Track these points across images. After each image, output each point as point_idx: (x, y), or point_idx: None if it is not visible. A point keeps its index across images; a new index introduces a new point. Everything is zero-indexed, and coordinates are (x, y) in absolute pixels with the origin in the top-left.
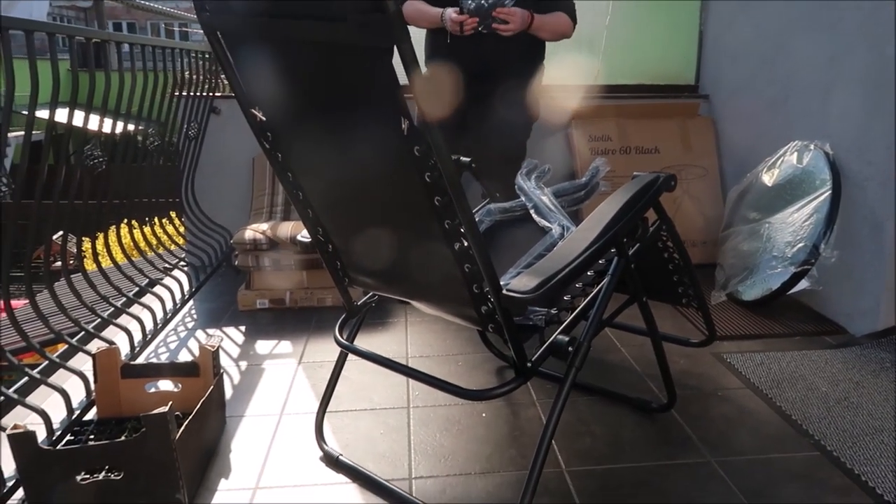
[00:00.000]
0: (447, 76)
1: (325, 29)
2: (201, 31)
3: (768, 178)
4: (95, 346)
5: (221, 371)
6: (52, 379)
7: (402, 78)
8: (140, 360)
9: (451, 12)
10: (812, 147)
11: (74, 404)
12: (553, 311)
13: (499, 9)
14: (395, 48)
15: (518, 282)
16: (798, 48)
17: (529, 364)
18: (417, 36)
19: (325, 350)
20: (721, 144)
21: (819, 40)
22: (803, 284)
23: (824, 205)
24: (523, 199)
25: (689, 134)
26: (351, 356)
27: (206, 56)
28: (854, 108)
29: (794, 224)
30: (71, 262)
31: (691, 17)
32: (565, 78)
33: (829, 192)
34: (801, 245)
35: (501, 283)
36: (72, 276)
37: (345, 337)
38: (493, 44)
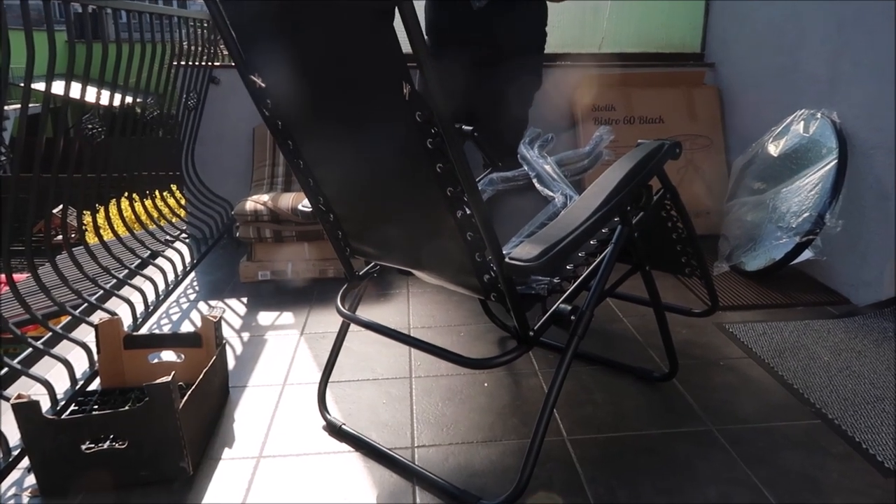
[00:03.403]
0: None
1: None
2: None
3: (774, 148)
4: (98, 317)
5: (224, 342)
6: (56, 350)
7: (404, 44)
8: (142, 331)
9: None
10: (819, 115)
11: (78, 375)
12: (555, 281)
13: None
14: (396, 9)
15: (520, 250)
16: (806, 14)
17: (531, 333)
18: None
19: (327, 321)
20: (727, 114)
21: (827, 6)
22: (807, 255)
23: (830, 174)
24: (526, 168)
25: (695, 103)
26: (353, 327)
27: (205, 24)
28: (863, 75)
29: (800, 194)
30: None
31: None
32: (569, 46)
33: (836, 161)
34: (805, 215)
35: (504, 251)
36: (73, 249)
37: (346, 307)
38: (493, 10)
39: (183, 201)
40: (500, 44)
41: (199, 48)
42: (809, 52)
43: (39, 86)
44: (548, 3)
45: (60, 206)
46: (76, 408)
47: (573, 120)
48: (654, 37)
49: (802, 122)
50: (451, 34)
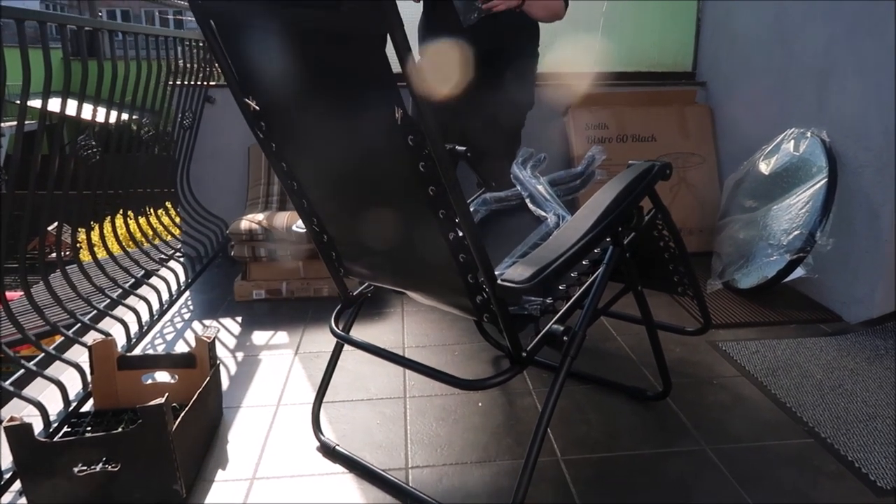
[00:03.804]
0: (443, 55)
1: (318, 16)
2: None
3: (765, 167)
4: (91, 337)
5: (218, 362)
6: (49, 371)
7: (396, 66)
8: (136, 351)
9: None
10: (809, 134)
11: (71, 396)
12: (548, 301)
13: None
14: (388, 36)
15: (513, 271)
16: (795, 35)
17: (525, 354)
18: (410, 21)
19: (321, 340)
20: (718, 132)
21: (816, 26)
22: (799, 272)
23: (820, 192)
24: (519, 188)
25: (687, 121)
26: (347, 346)
27: (201, 45)
28: (851, 94)
29: (791, 212)
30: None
31: (688, 4)
32: (562, 65)
33: (826, 179)
34: (797, 233)
35: (496, 272)
36: (67, 267)
37: (341, 327)
38: (484, 28)
39: (178, 219)
40: (492, 63)
41: (195, 66)
42: (798, 71)
43: (36, 103)
44: (539, 22)
45: (55, 224)
46: (69, 429)
47: (566, 139)
48: (645, 56)
49: (793, 141)
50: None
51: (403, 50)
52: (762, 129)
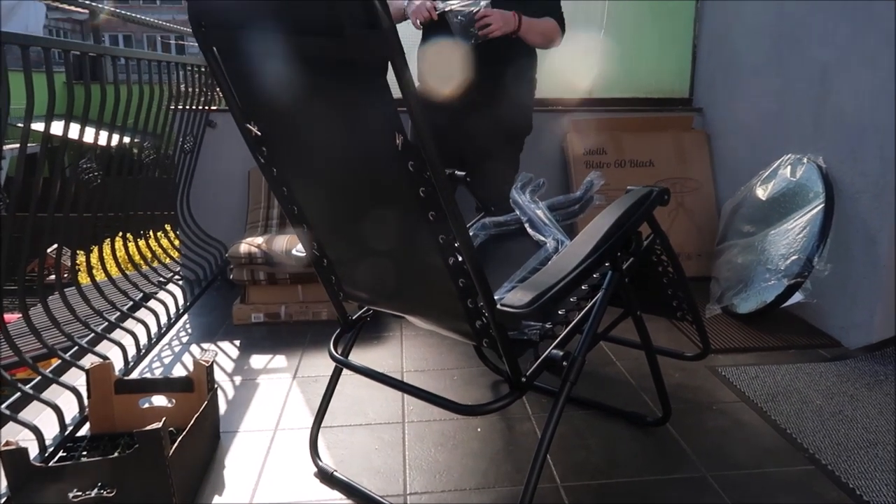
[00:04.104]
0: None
1: (321, 44)
2: (196, 44)
3: (762, 192)
4: (89, 360)
5: (216, 386)
6: (45, 394)
7: (396, 91)
8: (134, 374)
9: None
10: (805, 160)
11: (67, 420)
12: (547, 326)
13: (477, 14)
14: (390, 63)
15: (512, 296)
16: (789, 62)
17: (524, 379)
18: (408, 45)
19: (319, 364)
20: (715, 157)
21: (809, 54)
22: (797, 297)
23: (818, 217)
24: (518, 212)
25: (684, 147)
26: (346, 370)
27: (202, 70)
28: (846, 121)
29: (788, 237)
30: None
31: (685, 31)
32: (560, 91)
33: (823, 204)
34: (794, 258)
35: (496, 297)
36: (65, 289)
37: (339, 352)
38: (481, 54)
39: (177, 242)
40: (490, 87)
41: (197, 91)
42: (793, 98)
43: (39, 126)
44: (536, 49)
45: (54, 246)
46: (65, 454)
47: (565, 164)
48: (643, 82)
49: (789, 167)
50: (443, 81)
51: (404, 76)
52: (759, 155)
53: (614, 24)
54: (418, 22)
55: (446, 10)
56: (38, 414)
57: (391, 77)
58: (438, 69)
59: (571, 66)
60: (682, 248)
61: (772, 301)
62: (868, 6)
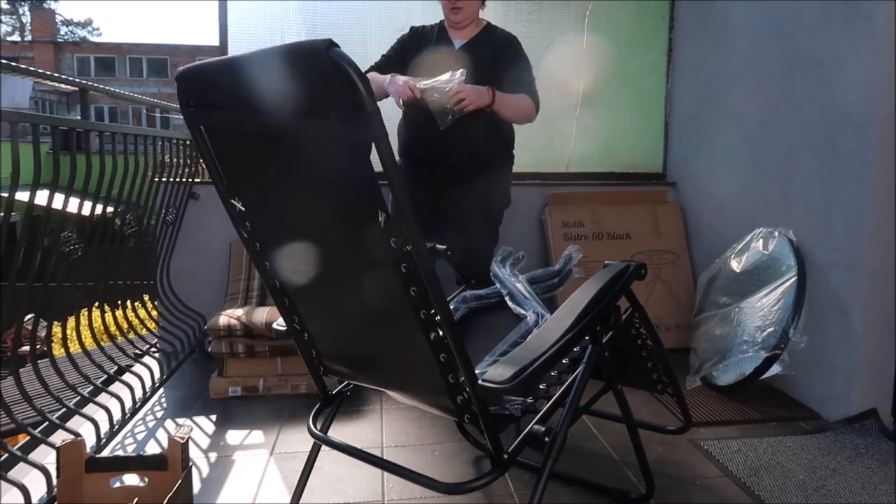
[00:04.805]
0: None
1: (308, 125)
2: (181, 117)
3: (736, 264)
4: (60, 437)
5: (191, 464)
6: (12, 473)
7: (378, 166)
8: (106, 451)
9: (399, 78)
10: (777, 234)
11: (34, 500)
12: (529, 400)
13: (452, 90)
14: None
15: (494, 371)
16: (758, 140)
17: (506, 455)
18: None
19: (298, 440)
20: (690, 230)
21: (777, 134)
22: (775, 369)
23: (791, 290)
24: (498, 286)
25: (659, 220)
26: (325, 446)
27: (187, 143)
28: (813, 198)
29: (763, 309)
30: (39, 346)
31: (657, 109)
32: (538, 166)
33: (795, 277)
34: (770, 330)
35: (477, 371)
36: (39, 361)
37: (319, 427)
38: (459, 129)
39: (154, 313)
40: (467, 163)
41: (181, 163)
42: (763, 174)
43: (24, 195)
44: (513, 124)
45: (30, 316)
46: None
47: (544, 236)
48: (618, 157)
49: (762, 240)
50: (420, 155)
51: (388, 158)
52: (732, 228)
53: (589, 101)
54: (401, 101)
55: (424, 88)
56: (4, 493)
57: (373, 155)
58: (419, 145)
59: (549, 141)
60: (660, 320)
61: (750, 373)
62: (828, 90)
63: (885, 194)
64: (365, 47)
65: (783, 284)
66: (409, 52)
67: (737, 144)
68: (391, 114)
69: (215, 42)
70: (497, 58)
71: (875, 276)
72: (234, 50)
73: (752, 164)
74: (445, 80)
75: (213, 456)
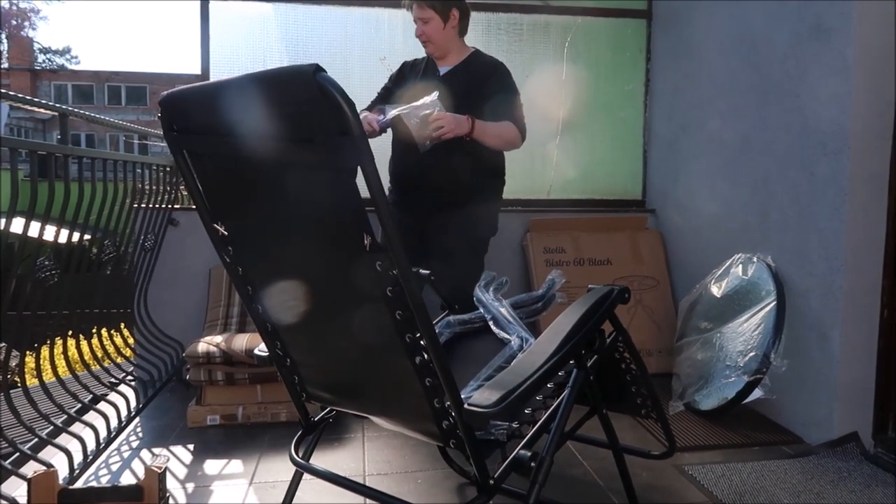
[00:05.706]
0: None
1: (293, 150)
2: (161, 143)
3: (717, 289)
4: (32, 468)
5: (168, 495)
6: None
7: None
8: (80, 482)
9: (363, 113)
10: (755, 259)
11: None
12: (514, 425)
13: (431, 117)
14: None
15: (479, 395)
16: (735, 168)
17: (492, 481)
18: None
19: (278, 469)
20: (670, 256)
21: (753, 162)
22: (757, 394)
23: (771, 315)
24: (482, 310)
25: (639, 246)
26: (306, 474)
27: (167, 169)
28: (790, 224)
29: (744, 334)
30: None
31: (635, 137)
32: (519, 193)
33: (775, 302)
34: (752, 354)
35: (462, 396)
36: (11, 390)
37: (301, 455)
38: (438, 155)
39: (131, 341)
40: (451, 190)
41: (161, 189)
42: (740, 201)
43: None
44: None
45: (2, 345)
46: None
47: (526, 262)
48: (598, 185)
49: (741, 265)
50: (405, 181)
51: (374, 181)
52: (711, 254)
53: (570, 130)
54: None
55: (400, 113)
56: None
57: (359, 178)
58: (403, 171)
59: (530, 168)
60: (642, 345)
61: (733, 398)
62: (802, 119)
63: (860, 220)
64: (347, 76)
65: (763, 309)
66: (398, 83)
67: (714, 172)
68: (383, 141)
69: (195, 70)
70: (481, 84)
71: (853, 300)
72: (216, 78)
73: (729, 191)
74: (418, 105)
75: (190, 486)
